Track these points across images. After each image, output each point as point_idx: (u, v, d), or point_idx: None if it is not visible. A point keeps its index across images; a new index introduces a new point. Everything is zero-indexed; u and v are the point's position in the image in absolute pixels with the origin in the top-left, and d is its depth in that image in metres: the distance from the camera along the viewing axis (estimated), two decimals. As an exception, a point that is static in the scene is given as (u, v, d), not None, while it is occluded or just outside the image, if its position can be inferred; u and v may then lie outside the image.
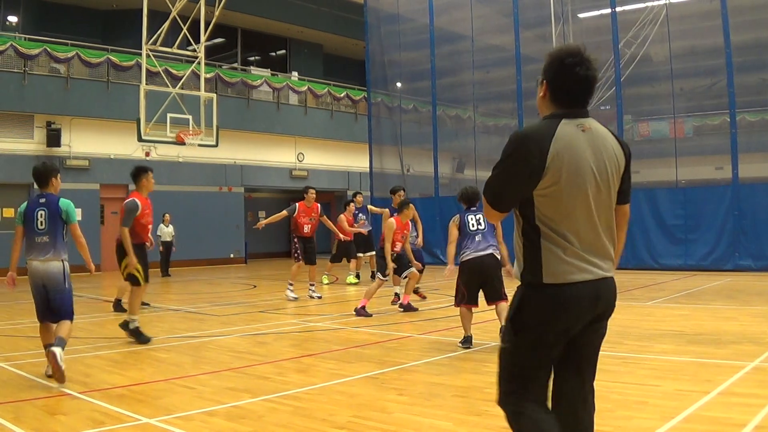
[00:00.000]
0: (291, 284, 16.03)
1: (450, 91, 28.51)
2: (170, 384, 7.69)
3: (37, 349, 9.67)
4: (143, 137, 21.79)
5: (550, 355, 3.67)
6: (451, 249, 9.76)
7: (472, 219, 9.58)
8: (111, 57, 26.65)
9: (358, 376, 7.89)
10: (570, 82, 3.61)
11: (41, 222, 7.91)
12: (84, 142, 26.48)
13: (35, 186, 8.42)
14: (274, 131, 32.43)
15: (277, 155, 33.13)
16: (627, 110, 23.68)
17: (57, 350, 7.43)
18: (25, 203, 8.16)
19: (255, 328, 11.90)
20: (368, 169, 30.56)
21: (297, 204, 15.71)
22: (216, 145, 23.54)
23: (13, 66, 24.80)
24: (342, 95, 35.33)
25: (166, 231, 24.13)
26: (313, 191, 15.95)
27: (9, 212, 23.56)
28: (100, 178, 26.79)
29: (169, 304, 15.64)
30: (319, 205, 15.91)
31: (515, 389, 3.68)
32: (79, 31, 28.91)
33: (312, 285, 16.26)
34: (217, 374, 8.20)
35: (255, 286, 19.80)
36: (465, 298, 9.46)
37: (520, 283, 3.71)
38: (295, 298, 15.74)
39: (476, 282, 9.43)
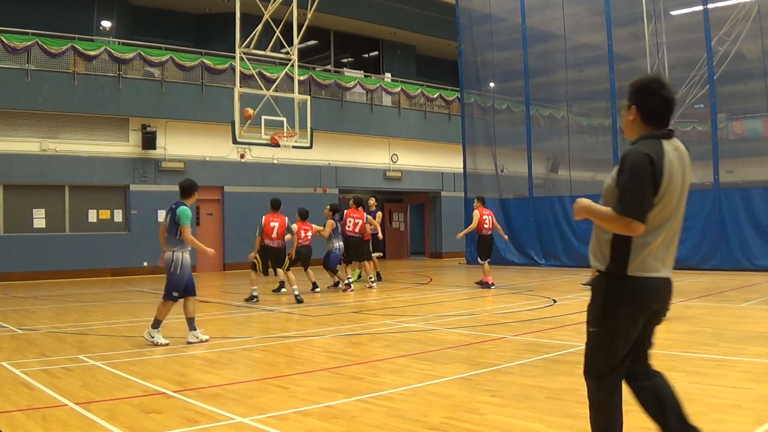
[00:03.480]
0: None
1: (543, 90, 28.29)
2: (264, 383, 7.71)
3: (132, 348, 9.89)
4: (238, 139, 22.01)
5: (632, 337, 4.19)
6: None
7: None
8: (205, 60, 27.16)
9: (452, 378, 7.83)
10: (658, 104, 4.14)
11: (167, 222, 10.69)
12: (179, 145, 27.02)
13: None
14: (367, 132, 32.55)
15: (370, 156, 33.20)
16: (721, 108, 23.27)
17: (190, 336, 10.37)
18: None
19: (349, 328, 11.88)
20: (462, 169, 30.50)
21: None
22: (310, 147, 23.66)
23: (108, 70, 25.42)
24: (435, 96, 35.22)
25: None
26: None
27: (105, 214, 23.98)
28: (195, 180, 26.99)
29: (264, 304, 15.73)
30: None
31: (602, 371, 4.24)
32: (173, 36, 29.54)
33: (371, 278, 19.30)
34: (311, 374, 8.21)
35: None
36: None
37: (598, 273, 4.24)
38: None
39: None
